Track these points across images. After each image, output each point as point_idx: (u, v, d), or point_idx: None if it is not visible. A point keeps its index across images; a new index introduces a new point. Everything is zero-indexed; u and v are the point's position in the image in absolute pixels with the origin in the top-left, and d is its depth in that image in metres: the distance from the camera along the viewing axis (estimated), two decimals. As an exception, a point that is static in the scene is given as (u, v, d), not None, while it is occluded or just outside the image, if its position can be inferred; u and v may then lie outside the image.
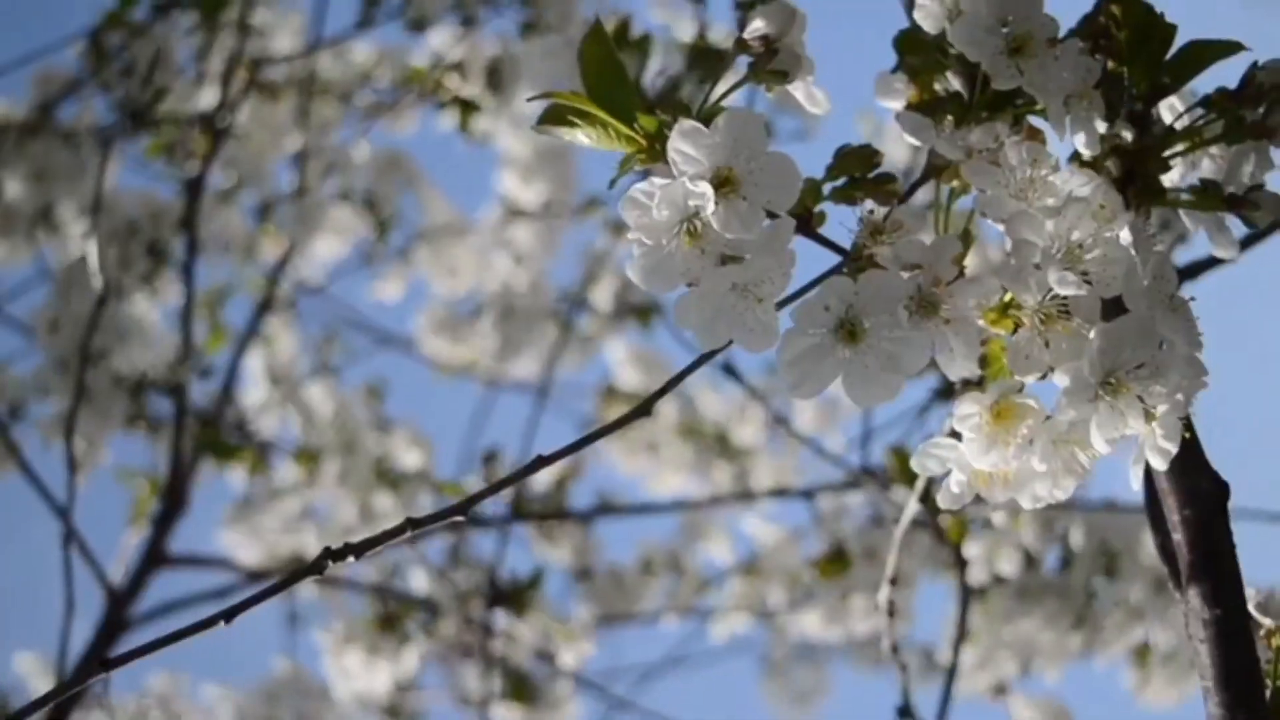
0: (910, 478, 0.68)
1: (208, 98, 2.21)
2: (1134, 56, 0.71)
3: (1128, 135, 0.69)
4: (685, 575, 2.64)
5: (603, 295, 2.74)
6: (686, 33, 1.60)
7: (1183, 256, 1.16)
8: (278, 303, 2.60)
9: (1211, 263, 1.06)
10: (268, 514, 2.41)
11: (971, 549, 1.62)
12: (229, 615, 0.69)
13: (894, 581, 1.06)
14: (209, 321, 2.51)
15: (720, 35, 1.76)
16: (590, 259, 2.71)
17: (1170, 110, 0.71)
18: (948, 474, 0.68)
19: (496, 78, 2.22)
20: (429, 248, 2.78)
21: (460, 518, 0.69)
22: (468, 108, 2.20)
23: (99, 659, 0.69)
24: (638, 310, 2.72)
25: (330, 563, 0.69)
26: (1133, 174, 0.70)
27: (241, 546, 2.42)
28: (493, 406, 2.60)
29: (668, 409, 2.73)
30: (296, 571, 0.69)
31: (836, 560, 1.93)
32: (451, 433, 2.92)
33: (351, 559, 0.70)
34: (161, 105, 2.16)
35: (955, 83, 0.70)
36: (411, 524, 0.69)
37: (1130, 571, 1.77)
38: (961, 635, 1.28)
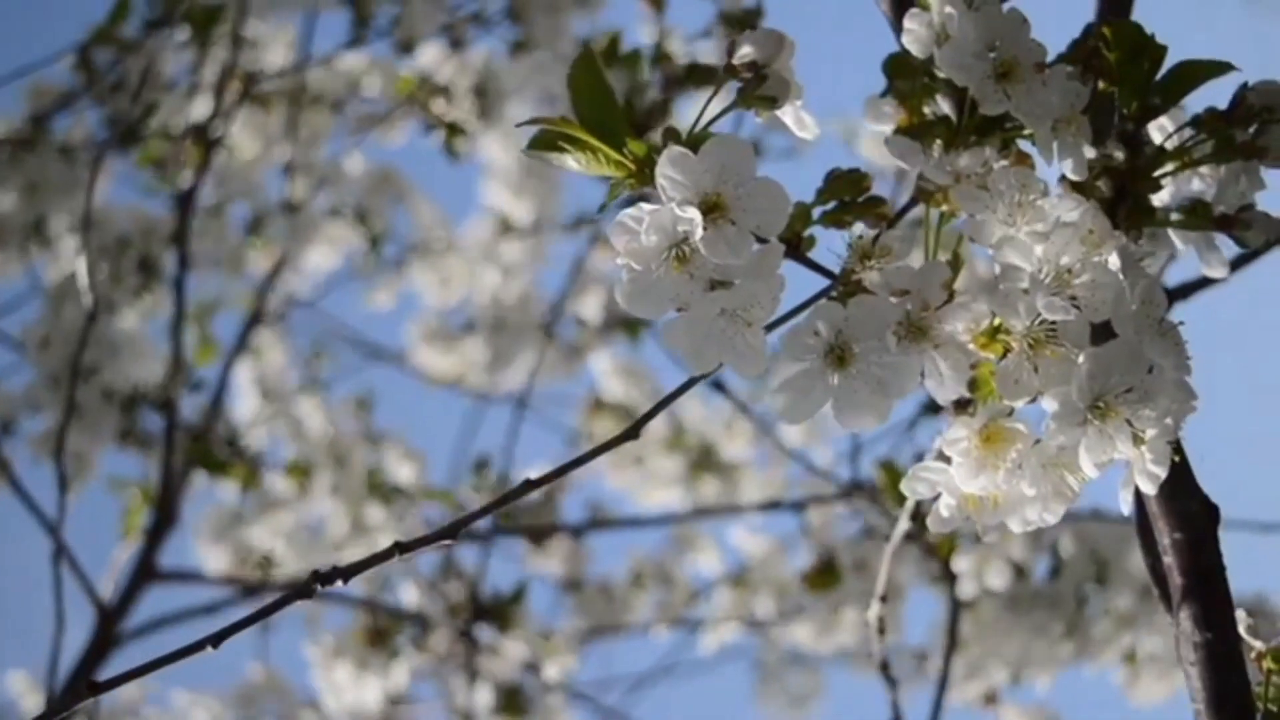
0: (899, 493, 0.68)
1: (199, 110, 2.21)
2: (1125, 77, 0.71)
3: (1119, 155, 0.69)
4: (674, 587, 2.64)
5: (591, 308, 2.74)
6: (675, 47, 1.60)
7: (1173, 274, 1.16)
8: (268, 316, 2.60)
9: (1202, 283, 1.06)
10: (256, 526, 2.40)
11: (961, 563, 1.62)
12: (216, 640, 0.69)
13: (884, 599, 1.06)
14: (199, 334, 2.51)
15: (686, 42, 1.76)
16: (578, 272, 2.71)
17: (1160, 130, 0.71)
18: (937, 497, 0.68)
19: (483, 100, 2.23)
20: (420, 259, 2.79)
21: (449, 541, 0.69)
22: (453, 130, 2.21)
23: (87, 682, 0.69)
24: (626, 323, 2.72)
25: (319, 586, 0.69)
26: (1124, 193, 0.70)
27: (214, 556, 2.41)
28: (482, 418, 2.60)
29: (654, 423, 2.72)
30: (286, 595, 0.69)
31: (826, 572, 1.92)
32: (442, 444, 2.93)
33: (340, 582, 0.70)
34: (152, 120, 2.16)
35: (944, 106, 0.70)
36: (399, 548, 0.69)
37: (1120, 579, 1.77)
38: (951, 647, 1.27)
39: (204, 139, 2.16)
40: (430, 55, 2.26)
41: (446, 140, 2.22)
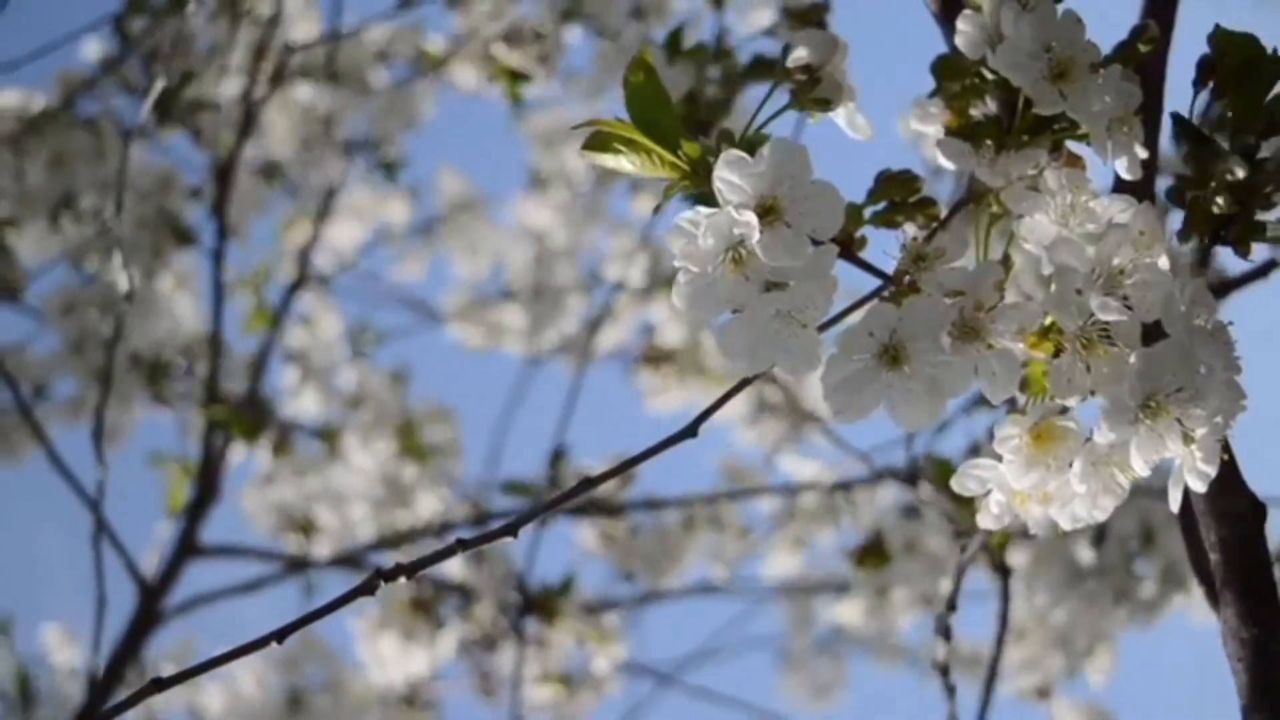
0: (947, 483, 0.69)
1: (232, 87, 2.21)
2: (1243, 91, 0.70)
3: (1240, 172, 0.69)
4: (727, 528, 2.58)
5: (634, 269, 2.73)
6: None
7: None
8: (310, 280, 2.59)
9: (1241, 281, 1.07)
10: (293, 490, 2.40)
11: (1015, 558, 1.61)
12: (281, 635, 0.71)
13: (953, 606, 1.05)
14: (252, 300, 2.51)
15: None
16: (620, 233, 2.71)
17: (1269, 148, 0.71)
18: (988, 493, 0.69)
19: (543, 47, 2.20)
20: (453, 227, 2.79)
21: (511, 537, 0.70)
22: (516, 78, 2.18)
23: (153, 680, 0.71)
24: (670, 282, 2.69)
25: (382, 583, 0.70)
26: (1244, 210, 0.69)
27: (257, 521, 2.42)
28: (529, 382, 2.58)
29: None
30: (349, 592, 0.70)
31: (874, 552, 1.91)
32: (487, 408, 2.91)
33: (404, 579, 0.71)
34: (186, 91, 2.16)
35: (993, 107, 0.71)
36: (461, 544, 0.70)
37: (1168, 542, 1.74)
38: (1002, 640, 1.27)
39: (238, 114, 2.17)
40: (482, 9, 2.22)
41: (509, 88, 2.19)
